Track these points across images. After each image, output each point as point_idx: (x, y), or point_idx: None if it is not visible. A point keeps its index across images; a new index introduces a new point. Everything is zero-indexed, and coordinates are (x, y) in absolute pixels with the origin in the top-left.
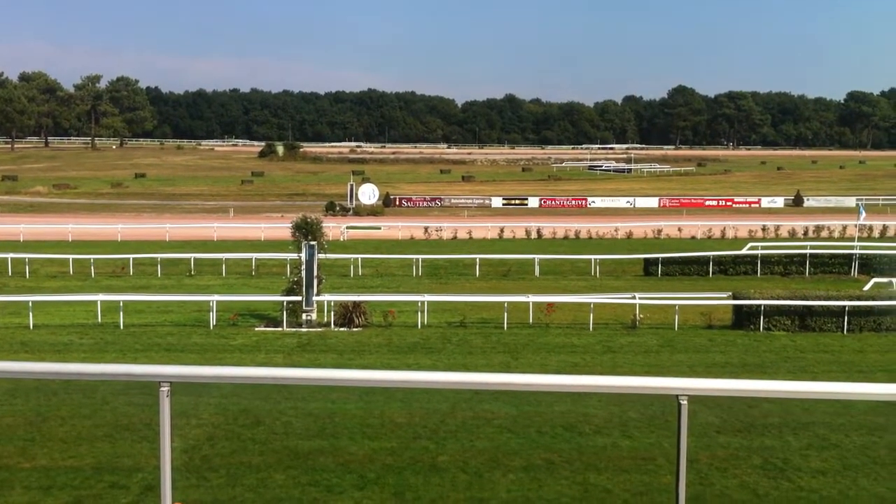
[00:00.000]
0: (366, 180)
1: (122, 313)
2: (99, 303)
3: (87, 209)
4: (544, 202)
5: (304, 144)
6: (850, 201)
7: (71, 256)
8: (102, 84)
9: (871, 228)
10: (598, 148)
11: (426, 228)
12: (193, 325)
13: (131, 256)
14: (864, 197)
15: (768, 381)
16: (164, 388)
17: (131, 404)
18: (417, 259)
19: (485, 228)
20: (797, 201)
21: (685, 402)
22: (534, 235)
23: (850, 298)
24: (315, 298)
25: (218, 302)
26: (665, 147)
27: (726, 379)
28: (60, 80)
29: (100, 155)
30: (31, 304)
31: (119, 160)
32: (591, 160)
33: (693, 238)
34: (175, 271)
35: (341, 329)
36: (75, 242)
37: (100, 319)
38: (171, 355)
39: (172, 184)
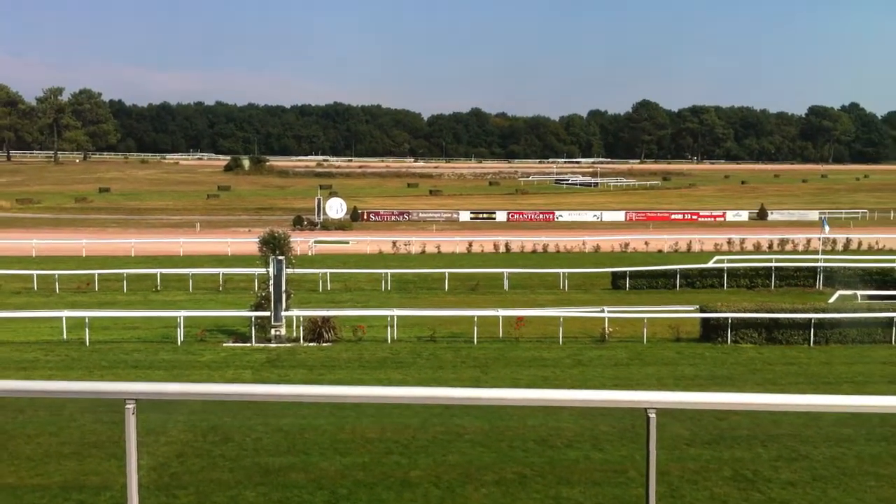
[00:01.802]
0: (333, 194)
1: (87, 330)
2: (64, 319)
3: (50, 224)
4: (512, 216)
5: (271, 158)
6: (814, 215)
7: (35, 272)
8: (65, 97)
9: (834, 241)
10: (565, 162)
11: (394, 243)
12: (161, 342)
13: (96, 272)
14: (826, 211)
15: (734, 393)
16: (130, 406)
17: (99, 422)
18: (386, 273)
19: (453, 242)
20: (761, 215)
21: (654, 415)
22: (502, 249)
23: (816, 311)
24: (284, 313)
25: (185, 317)
26: (630, 161)
27: (694, 392)
28: (22, 93)
29: (63, 169)
30: None
31: (82, 174)
32: (557, 174)
33: (660, 251)
34: (141, 287)
35: (311, 344)
36: (39, 258)
37: (65, 336)
38: (139, 372)
39: (137, 198)
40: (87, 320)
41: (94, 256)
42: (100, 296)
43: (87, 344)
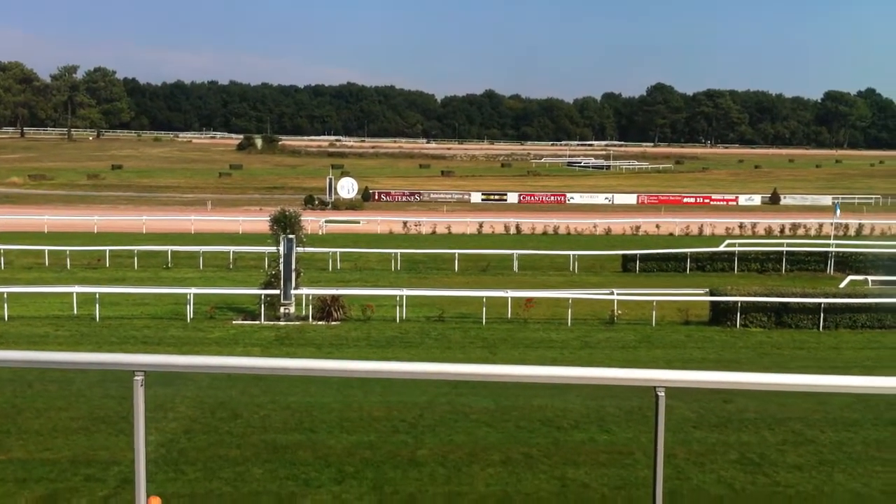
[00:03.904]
0: (345, 174)
1: (98, 305)
2: (75, 295)
3: (63, 200)
4: (523, 198)
5: (283, 138)
6: (827, 200)
7: (46, 248)
8: (79, 75)
9: (846, 227)
10: (578, 144)
11: (405, 223)
12: (170, 318)
13: (108, 248)
14: (840, 196)
15: (745, 373)
16: (138, 378)
17: (108, 396)
18: (396, 253)
19: (464, 223)
20: (774, 199)
21: (662, 394)
22: (513, 231)
23: (826, 295)
24: (293, 292)
25: (195, 295)
26: (644, 144)
27: (703, 371)
28: (37, 70)
29: (76, 146)
30: (5, 295)
31: (96, 151)
32: (570, 156)
33: (671, 235)
34: (152, 263)
35: (319, 323)
36: (51, 234)
37: (76, 311)
38: (148, 348)
39: (150, 176)
40: (97, 296)
41: (106, 233)
42: (111, 272)
43: (98, 319)
